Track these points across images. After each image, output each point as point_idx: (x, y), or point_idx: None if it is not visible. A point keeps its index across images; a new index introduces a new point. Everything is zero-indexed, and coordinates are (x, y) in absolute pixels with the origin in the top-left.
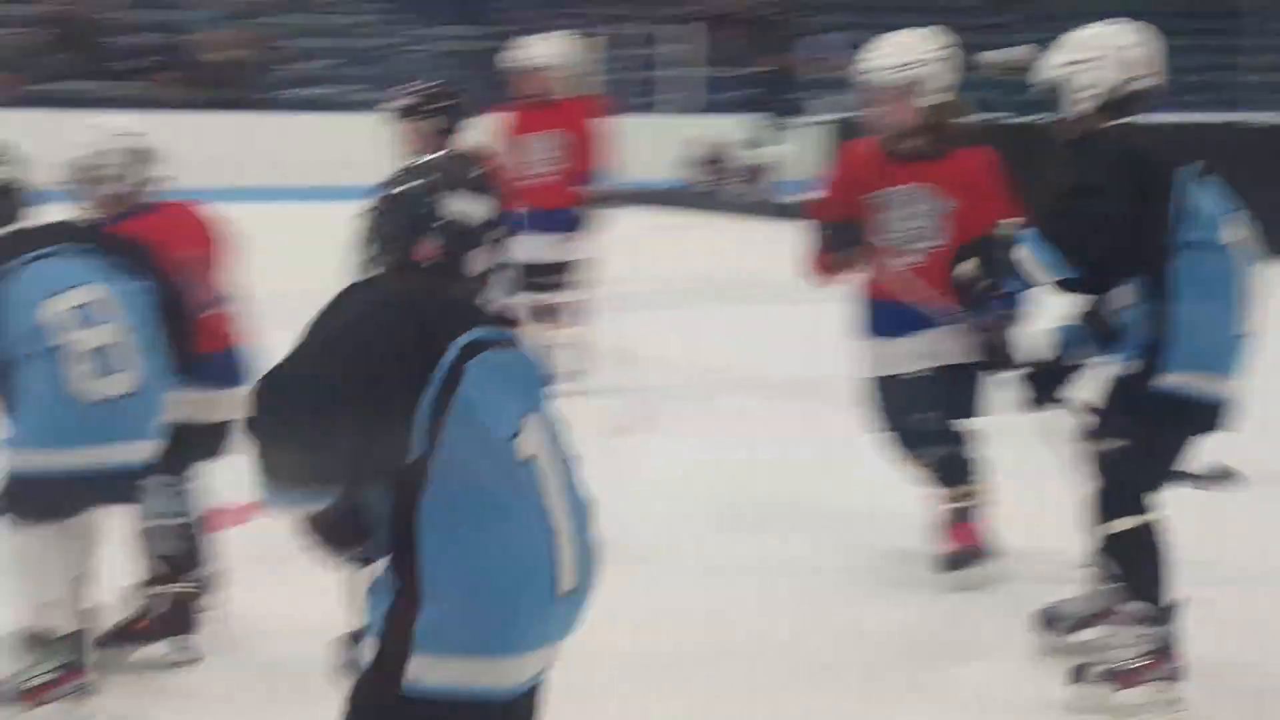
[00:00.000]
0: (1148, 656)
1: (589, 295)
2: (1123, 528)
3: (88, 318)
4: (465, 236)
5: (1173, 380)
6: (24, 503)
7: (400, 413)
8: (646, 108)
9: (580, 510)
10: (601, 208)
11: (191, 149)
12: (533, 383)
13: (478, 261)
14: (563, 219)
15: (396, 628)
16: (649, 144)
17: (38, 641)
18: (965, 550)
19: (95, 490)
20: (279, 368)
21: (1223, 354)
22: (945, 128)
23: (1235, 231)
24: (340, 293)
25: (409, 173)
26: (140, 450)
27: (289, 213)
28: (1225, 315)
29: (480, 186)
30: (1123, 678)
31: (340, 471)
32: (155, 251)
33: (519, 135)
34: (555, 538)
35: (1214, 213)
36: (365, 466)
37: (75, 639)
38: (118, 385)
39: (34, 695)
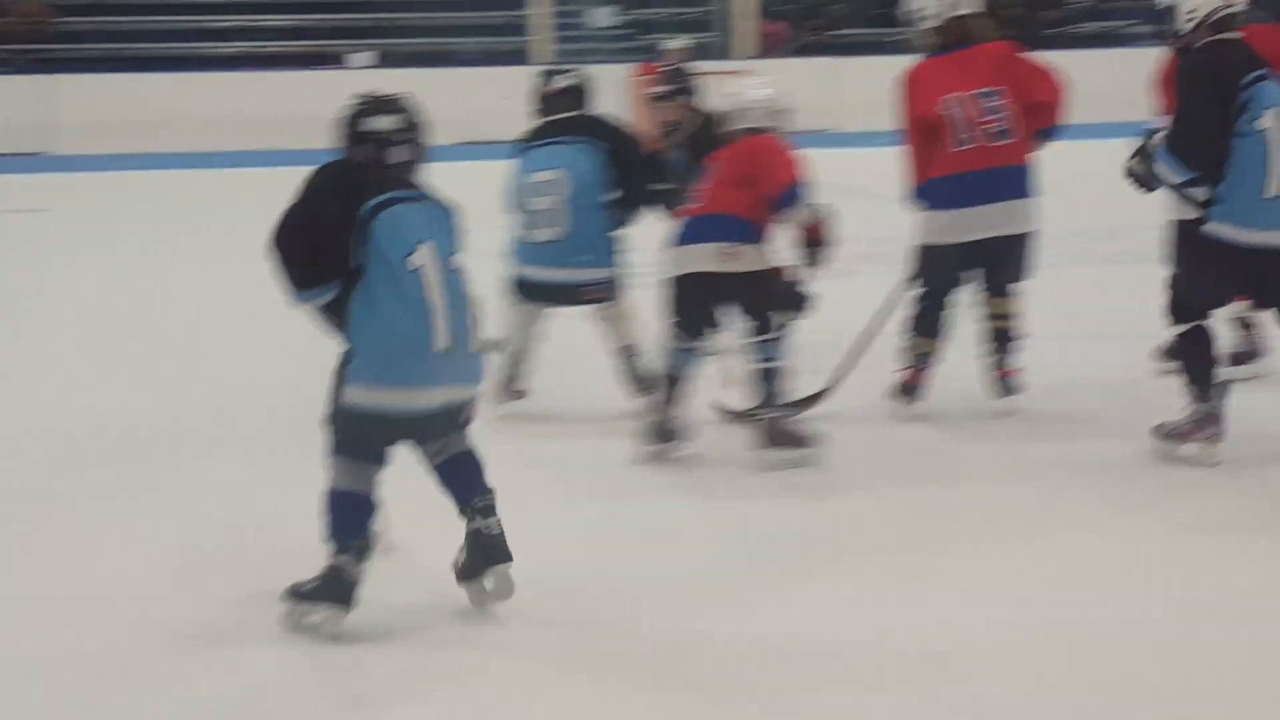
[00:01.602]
0: (1196, 423)
1: None
2: (1178, 331)
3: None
4: (383, 142)
5: (1211, 228)
6: (511, 292)
7: (342, 240)
8: None
9: (460, 301)
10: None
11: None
12: (436, 222)
13: (396, 157)
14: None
15: (341, 371)
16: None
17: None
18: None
19: (537, 294)
20: (282, 214)
21: (1252, 211)
22: None
23: (1274, 119)
24: (317, 168)
25: (348, 108)
26: (561, 275)
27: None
28: (1256, 183)
29: (392, 109)
30: (1178, 435)
31: (320, 277)
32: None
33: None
34: (431, 315)
35: (1264, 105)
36: (332, 272)
37: (510, 380)
38: (550, 233)
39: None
